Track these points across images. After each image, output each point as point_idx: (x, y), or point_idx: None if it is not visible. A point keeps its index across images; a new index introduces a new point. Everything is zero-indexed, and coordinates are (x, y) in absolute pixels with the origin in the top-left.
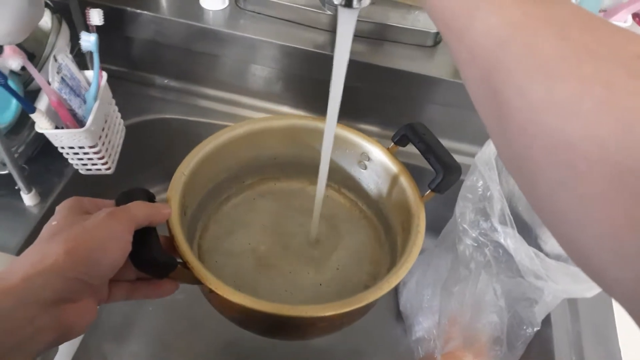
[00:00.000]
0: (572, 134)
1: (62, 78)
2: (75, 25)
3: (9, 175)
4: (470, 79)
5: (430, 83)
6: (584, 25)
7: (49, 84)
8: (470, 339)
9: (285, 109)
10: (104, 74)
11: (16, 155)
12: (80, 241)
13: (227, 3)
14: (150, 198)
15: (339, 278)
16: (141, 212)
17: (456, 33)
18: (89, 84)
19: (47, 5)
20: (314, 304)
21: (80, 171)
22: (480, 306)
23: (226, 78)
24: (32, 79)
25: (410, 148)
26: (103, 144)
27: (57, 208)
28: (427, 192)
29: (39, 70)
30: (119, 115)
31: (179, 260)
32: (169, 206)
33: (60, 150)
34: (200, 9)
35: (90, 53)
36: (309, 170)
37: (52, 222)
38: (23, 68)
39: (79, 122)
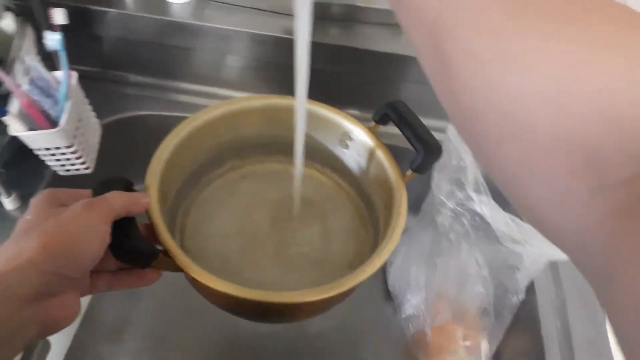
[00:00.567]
0: (515, 86)
1: (31, 80)
2: (41, 27)
3: None
4: (418, 46)
5: (402, 62)
6: None
7: (19, 86)
8: (459, 312)
9: None
10: (74, 73)
11: None
12: (56, 235)
13: None
14: (129, 186)
15: (323, 257)
16: (119, 203)
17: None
18: (59, 84)
19: (9, 8)
20: (300, 286)
21: (59, 172)
22: (464, 277)
23: (201, 71)
24: (1, 83)
25: (391, 129)
26: (80, 143)
27: (32, 201)
28: (409, 173)
29: (7, 74)
30: (94, 114)
31: (160, 248)
32: (147, 195)
33: (37, 152)
34: (165, 2)
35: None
36: (291, 151)
37: (27, 216)
38: None
39: (53, 123)
